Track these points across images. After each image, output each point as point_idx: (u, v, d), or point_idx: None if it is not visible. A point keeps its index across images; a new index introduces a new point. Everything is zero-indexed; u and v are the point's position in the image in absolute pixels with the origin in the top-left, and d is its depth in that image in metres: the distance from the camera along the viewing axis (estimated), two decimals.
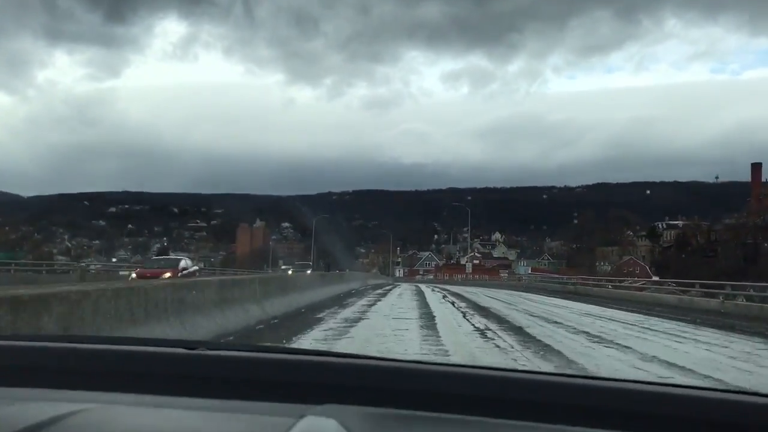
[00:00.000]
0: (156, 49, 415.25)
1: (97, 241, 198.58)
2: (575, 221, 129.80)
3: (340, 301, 27.34)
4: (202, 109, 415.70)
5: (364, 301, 27.75)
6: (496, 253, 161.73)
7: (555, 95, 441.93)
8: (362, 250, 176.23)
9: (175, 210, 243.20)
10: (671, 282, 39.99)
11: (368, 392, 1.27)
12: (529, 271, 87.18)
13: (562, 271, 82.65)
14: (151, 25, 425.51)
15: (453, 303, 27.58)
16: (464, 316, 19.95)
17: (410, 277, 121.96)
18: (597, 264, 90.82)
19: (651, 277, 60.54)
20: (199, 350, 1.48)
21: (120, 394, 1.28)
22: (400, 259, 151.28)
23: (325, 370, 1.38)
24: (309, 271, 53.64)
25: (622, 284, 43.04)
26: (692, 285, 33.92)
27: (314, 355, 1.52)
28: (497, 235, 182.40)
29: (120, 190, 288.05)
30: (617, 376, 1.40)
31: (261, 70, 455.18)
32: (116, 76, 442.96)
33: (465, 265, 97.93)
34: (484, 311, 22.70)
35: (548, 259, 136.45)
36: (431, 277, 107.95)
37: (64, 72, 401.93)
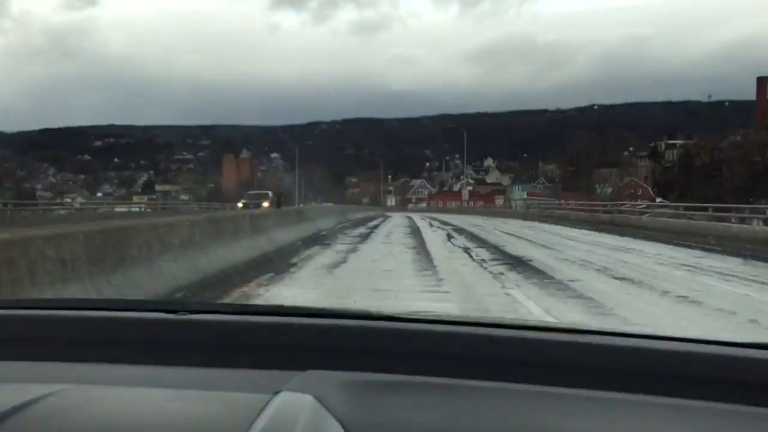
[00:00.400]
0: None
1: (82, 176, 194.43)
2: (569, 143, 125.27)
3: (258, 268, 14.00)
4: (185, 38, 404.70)
5: (312, 259, 16.44)
6: (489, 179, 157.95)
7: (546, 15, 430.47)
8: (354, 180, 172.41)
9: (162, 142, 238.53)
10: (682, 206, 36.22)
11: (354, 356, 1.21)
12: (525, 196, 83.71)
13: (558, 195, 79.14)
14: None
15: (467, 250, 19.05)
16: (502, 286, 11.39)
17: (403, 206, 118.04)
18: (596, 187, 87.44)
19: (654, 200, 57.13)
20: (180, 314, 1.42)
21: (95, 366, 1.25)
22: (391, 188, 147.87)
23: (309, 333, 1.34)
24: (266, 204, 47.27)
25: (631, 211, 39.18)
26: (704, 209, 30.43)
27: (301, 315, 1.45)
28: (489, 161, 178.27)
29: (106, 123, 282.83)
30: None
31: None
32: (93, 3, 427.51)
33: (460, 192, 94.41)
34: (524, 266, 14.33)
35: (543, 183, 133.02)
36: (424, 205, 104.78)
37: (38, 1, 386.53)
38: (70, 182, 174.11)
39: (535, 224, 37.28)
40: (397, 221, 43.48)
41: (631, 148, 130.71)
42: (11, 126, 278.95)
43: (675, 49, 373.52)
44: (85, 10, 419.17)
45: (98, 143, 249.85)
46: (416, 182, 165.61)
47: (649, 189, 75.87)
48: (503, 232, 29.38)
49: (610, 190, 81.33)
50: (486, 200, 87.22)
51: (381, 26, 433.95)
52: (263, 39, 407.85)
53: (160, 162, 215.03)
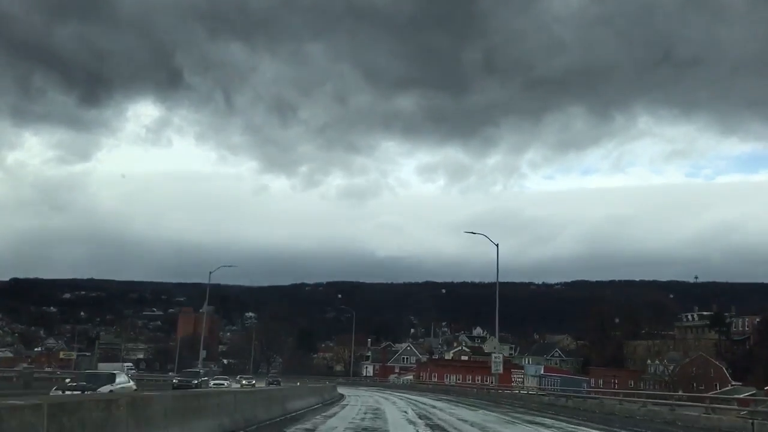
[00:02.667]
0: (128, 132, 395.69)
1: (33, 328, 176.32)
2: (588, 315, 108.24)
3: None
4: (174, 198, 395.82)
5: None
6: (487, 349, 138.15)
7: (532, 192, 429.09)
8: (330, 344, 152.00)
9: (135, 297, 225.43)
10: None
11: None
12: (542, 372, 65.16)
13: (589, 372, 61.42)
14: (124, 108, 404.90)
15: None
16: None
17: (381, 378, 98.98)
18: (648, 364, 68.10)
19: (730, 382, 39.57)
20: None
21: None
22: (369, 353, 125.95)
23: None
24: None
25: None
26: None
27: None
28: (479, 330, 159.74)
29: (86, 277, 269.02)
30: None
31: (234, 156, 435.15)
32: (87, 159, 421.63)
33: (452, 359, 76.65)
34: None
35: (560, 356, 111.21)
36: (410, 377, 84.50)
37: (33, 154, 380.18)
38: (14, 334, 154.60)
39: None
40: None
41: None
42: None
43: (657, 230, 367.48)
44: (77, 165, 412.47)
45: (67, 296, 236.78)
46: (401, 347, 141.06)
47: (723, 368, 58.06)
48: None
49: (671, 367, 62.46)
50: (503, 377, 67.50)
51: (369, 192, 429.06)
52: (251, 201, 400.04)
53: (128, 317, 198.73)
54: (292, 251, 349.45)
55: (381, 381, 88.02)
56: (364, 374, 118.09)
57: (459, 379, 69.63)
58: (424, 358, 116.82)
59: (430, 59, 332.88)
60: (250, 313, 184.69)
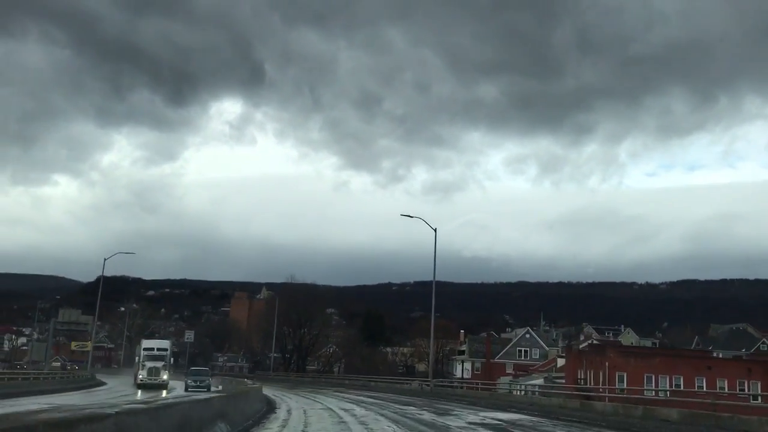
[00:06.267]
0: (213, 130, 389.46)
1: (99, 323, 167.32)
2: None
3: None
4: (259, 198, 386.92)
5: None
6: (624, 342, 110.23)
7: (632, 189, 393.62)
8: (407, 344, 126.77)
9: (216, 295, 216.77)
10: None
11: None
12: None
13: None
14: (207, 106, 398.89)
15: None
16: None
17: (485, 381, 62.23)
18: None
19: None
20: None
21: None
22: (466, 346, 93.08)
23: None
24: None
25: None
26: None
27: None
28: (589, 329, 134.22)
29: (179, 277, 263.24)
30: None
31: (315, 153, 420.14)
32: (173, 159, 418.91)
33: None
34: None
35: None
36: (540, 381, 53.44)
37: (123, 155, 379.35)
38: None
39: None
40: None
41: None
42: (89, 276, 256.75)
43: (765, 227, 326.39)
44: (165, 165, 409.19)
45: (151, 293, 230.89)
46: (515, 333, 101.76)
47: None
48: None
49: None
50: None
51: (455, 187, 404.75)
52: (334, 199, 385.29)
53: (204, 313, 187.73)
54: (377, 250, 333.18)
55: (486, 387, 51.84)
56: (457, 374, 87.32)
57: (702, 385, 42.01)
58: (553, 350, 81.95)
59: (516, 41, 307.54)
60: (331, 309, 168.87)
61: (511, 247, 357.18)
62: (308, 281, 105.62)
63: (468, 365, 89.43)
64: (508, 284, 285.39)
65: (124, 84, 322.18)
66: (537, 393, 41.87)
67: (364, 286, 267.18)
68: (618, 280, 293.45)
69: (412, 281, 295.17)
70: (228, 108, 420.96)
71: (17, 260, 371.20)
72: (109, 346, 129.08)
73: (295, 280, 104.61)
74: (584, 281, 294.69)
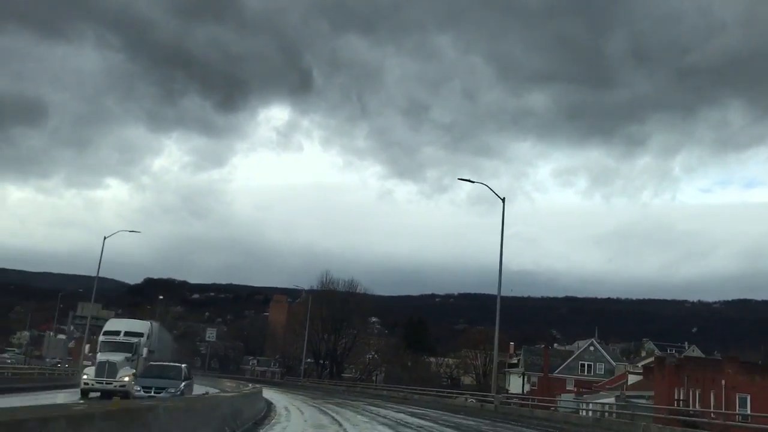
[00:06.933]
0: (260, 137, 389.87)
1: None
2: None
3: None
4: (305, 205, 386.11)
5: None
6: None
7: (686, 204, 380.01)
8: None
9: (260, 299, 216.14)
10: None
11: None
12: None
13: None
14: (256, 112, 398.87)
15: None
16: None
17: (546, 396, 55.57)
18: None
19: None
20: None
21: None
22: (520, 357, 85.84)
23: None
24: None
25: None
26: None
27: None
28: (650, 344, 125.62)
29: (225, 282, 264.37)
30: None
31: (360, 161, 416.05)
32: (221, 165, 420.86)
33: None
34: None
35: None
36: (610, 399, 44.58)
37: (173, 160, 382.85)
38: None
39: None
40: None
41: None
42: (136, 278, 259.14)
43: None
44: (213, 171, 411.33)
45: (196, 296, 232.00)
46: (582, 344, 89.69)
47: None
48: None
49: None
50: None
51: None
52: (378, 208, 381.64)
53: (247, 317, 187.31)
54: (421, 261, 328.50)
55: (544, 405, 43.74)
56: (509, 389, 78.31)
57: None
58: (620, 365, 73.80)
59: (568, 49, 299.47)
60: (375, 318, 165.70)
61: (559, 261, 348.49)
62: (346, 279, 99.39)
63: (519, 380, 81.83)
64: (555, 299, 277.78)
65: (175, 89, 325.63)
66: (613, 414, 35.51)
67: (407, 296, 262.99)
68: (669, 297, 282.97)
69: (455, 293, 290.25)
70: (276, 114, 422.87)
71: (69, 261, 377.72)
72: None
73: (330, 278, 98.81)
74: (634, 298, 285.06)
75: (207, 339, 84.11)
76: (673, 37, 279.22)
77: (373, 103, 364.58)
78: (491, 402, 42.08)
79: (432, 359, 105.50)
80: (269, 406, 32.05)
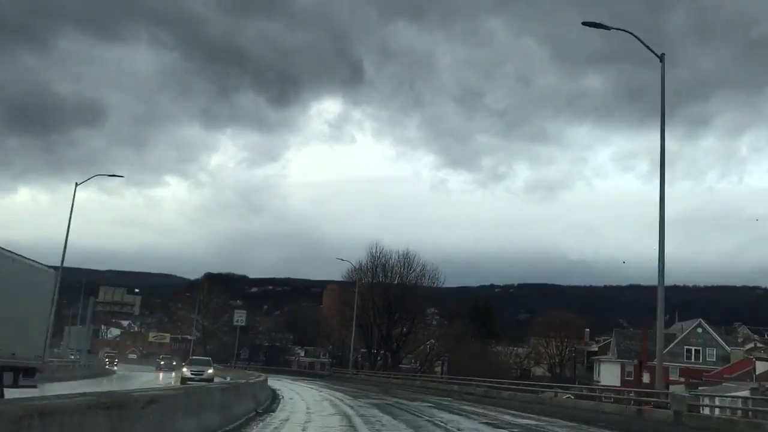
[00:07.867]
0: (313, 130, 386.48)
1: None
2: None
3: None
4: (359, 198, 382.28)
5: None
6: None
7: (755, 186, 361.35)
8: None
9: (316, 292, 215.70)
10: None
11: None
12: None
13: None
14: (308, 106, 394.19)
15: None
16: None
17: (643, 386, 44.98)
18: None
19: None
20: None
21: None
22: (597, 347, 79.50)
23: None
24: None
25: None
26: None
27: None
28: (744, 328, 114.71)
29: (283, 276, 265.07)
30: None
31: (413, 151, 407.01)
32: (275, 159, 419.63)
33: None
34: None
35: None
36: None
37: (229, 156, 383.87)
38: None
39: None
40: None
41: None
42: (196, 274, 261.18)
43: None
44: (268, 167, 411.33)
45: (254, 290, 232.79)
46: (688, 325, 75.90)
47: None
48: None
49: None
50: None
51: (560, 185, 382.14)
52: (433, 199, 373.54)
53: (301, 310, 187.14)
54: (478, 251, 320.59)
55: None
56: (598, 380, 68.57)
57: None
58: (738, 351, 63.31)
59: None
60: (432, 309, 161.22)
61: (620, 248, 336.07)
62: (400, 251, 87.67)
63: (615, 369, 71.62)
64: (618, 287, 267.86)
65: (229, 86, 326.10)
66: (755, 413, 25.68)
67: (466, 287, 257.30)
68: (739, 284, 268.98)
69: (515, 283, 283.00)
70: (328, 107, 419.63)
71: (132, 259, 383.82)
72: (190, 337, 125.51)
73: (381, 249, 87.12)
74: (701, 284, 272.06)
75: (235, 323, 77.89)
76: (738, 9, 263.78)
77: (425, 91, 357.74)
78: (664, 407, 23.49)
79: (499, 348, 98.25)
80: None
